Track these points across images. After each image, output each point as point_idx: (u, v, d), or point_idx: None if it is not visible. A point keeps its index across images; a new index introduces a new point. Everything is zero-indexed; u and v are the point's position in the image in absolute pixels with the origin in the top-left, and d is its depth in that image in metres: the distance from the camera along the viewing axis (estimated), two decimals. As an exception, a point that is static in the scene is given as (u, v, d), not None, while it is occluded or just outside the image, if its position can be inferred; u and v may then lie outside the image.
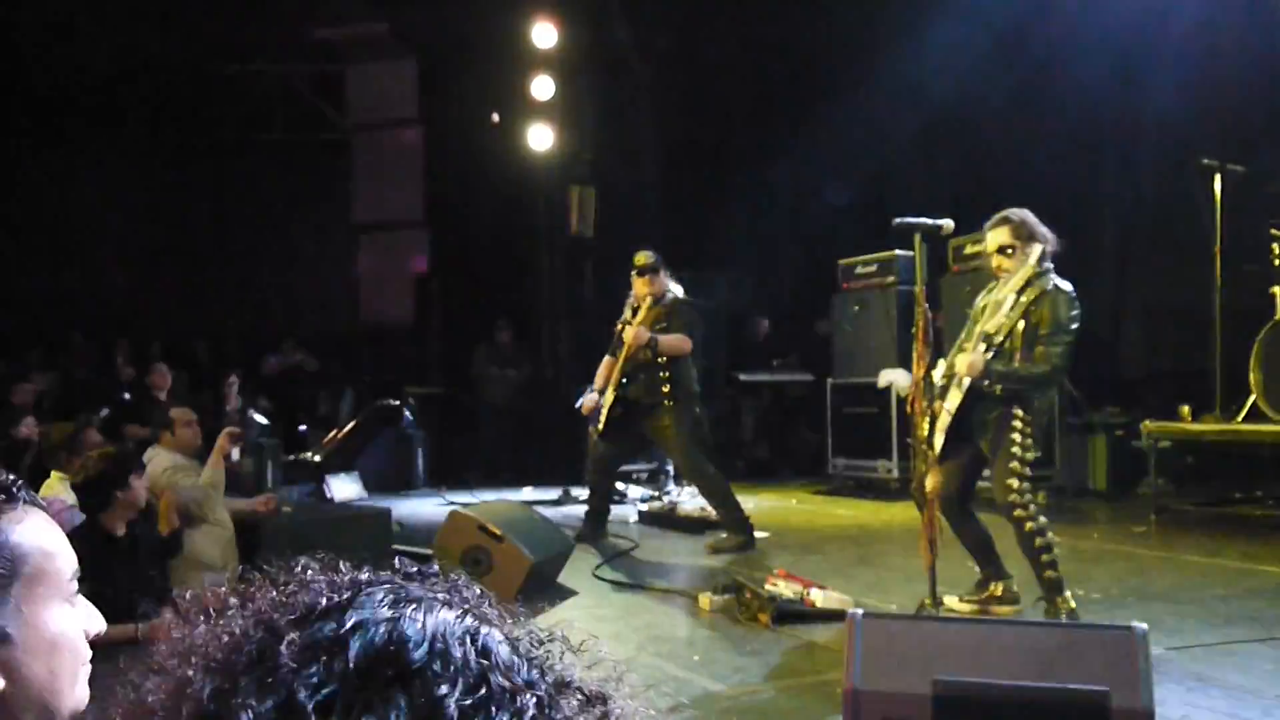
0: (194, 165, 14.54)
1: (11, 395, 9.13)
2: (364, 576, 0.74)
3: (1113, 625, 2.56)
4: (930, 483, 4.57)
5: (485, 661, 0.67)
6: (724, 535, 6.81)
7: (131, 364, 12.54)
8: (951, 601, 4.83)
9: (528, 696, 0.67)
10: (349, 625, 0.67)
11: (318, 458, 10.17)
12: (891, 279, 9.41)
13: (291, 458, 9.96)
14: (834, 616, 4.51)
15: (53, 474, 5.34)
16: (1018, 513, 4.52)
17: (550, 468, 10.50)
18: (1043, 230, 4.68)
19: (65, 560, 1.16)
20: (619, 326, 7.07)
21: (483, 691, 0.65)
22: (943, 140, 11.64)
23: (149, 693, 0.70)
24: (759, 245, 12.90)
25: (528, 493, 9.69)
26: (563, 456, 10.51)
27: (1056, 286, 4.62)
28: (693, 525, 7.57)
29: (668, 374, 6.75)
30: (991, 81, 11.02)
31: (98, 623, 1.19)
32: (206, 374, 12.55)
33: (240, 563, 5.75)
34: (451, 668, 0.66)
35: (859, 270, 9.81)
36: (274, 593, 0.73)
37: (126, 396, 10.79)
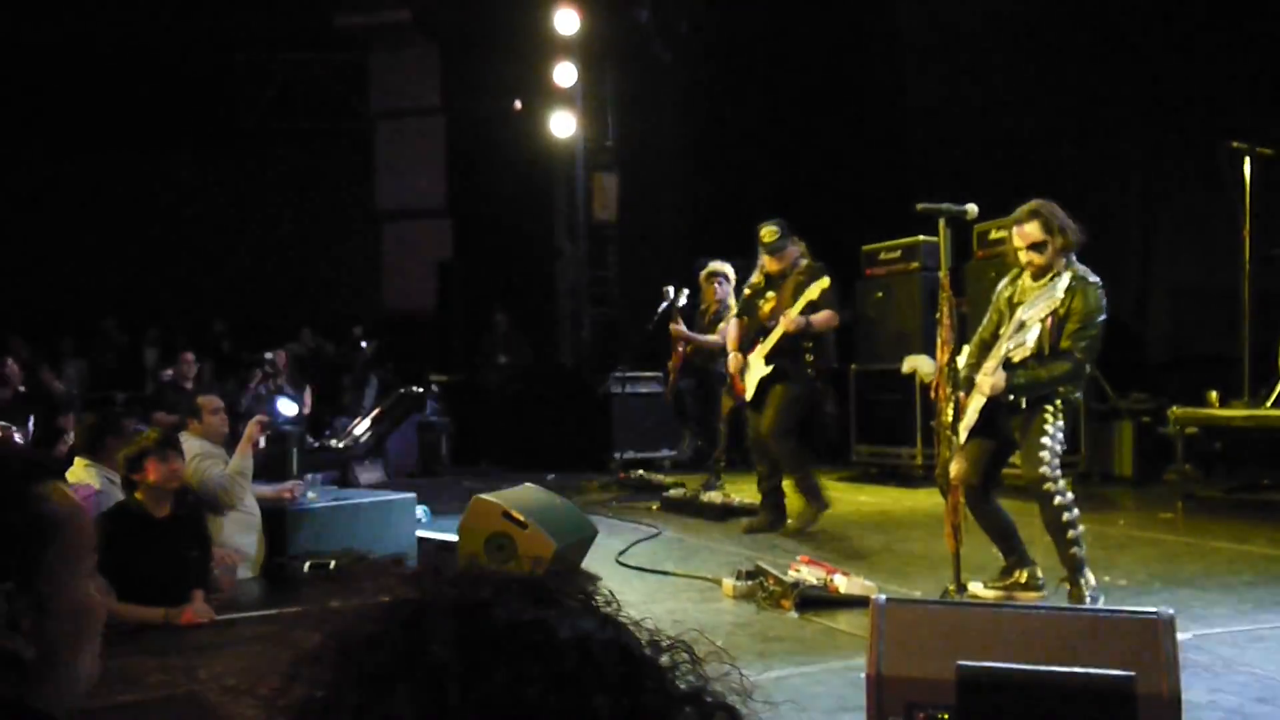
0: (217, 154, 14.61)
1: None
2: (503, 576, 0.74)
3: (1139, 611, 2.55)
4: (954, 469, 4.56)
5: (629, 670, 0.68)
6: (802, 509, 6.88)
7: (159, 352, 12.66)
8: (976, 588, 4.82)
9: (664, 702, 0.68)
10: (500, 622, 0.67)
11: (343, 444, 10.23)
12: (915, 264, 9.35)
13: (316, 444, 10.02)
14: (857, 602, 4.51)
15: (77, 461, 5.39)
16: (1046, 486, 4.50)
17: (572, 454, 10.50)
18: (1070, 223, 4.60)
19: (90, 534, 1.21)
20: (746, 291, 7.16)
21: (626, 700, 0.66)
22: (966, 123, 11.54)
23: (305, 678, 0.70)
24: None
25: (550, 480, 9.71)
26: (585, 443, 10.53)
27: (1083, 278, 4.55)
28: (715, 512, 7.57)
29: (812, 345, 6.80)
30: (1014, 62, 10.93)
31: (111, 600, 1.23)
32: (230, 361, 12.65)
33: (268, 549, 5.80)
34: (599, 674, 0.67)
35: (883, 256, 9.75)
36: (427, 581, 0.73)
37: (155, 384, 10.90)
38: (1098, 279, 4.59)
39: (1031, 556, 4.88)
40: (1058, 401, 4.58)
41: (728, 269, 8.68)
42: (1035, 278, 4.63)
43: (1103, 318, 4.55)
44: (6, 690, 1.08)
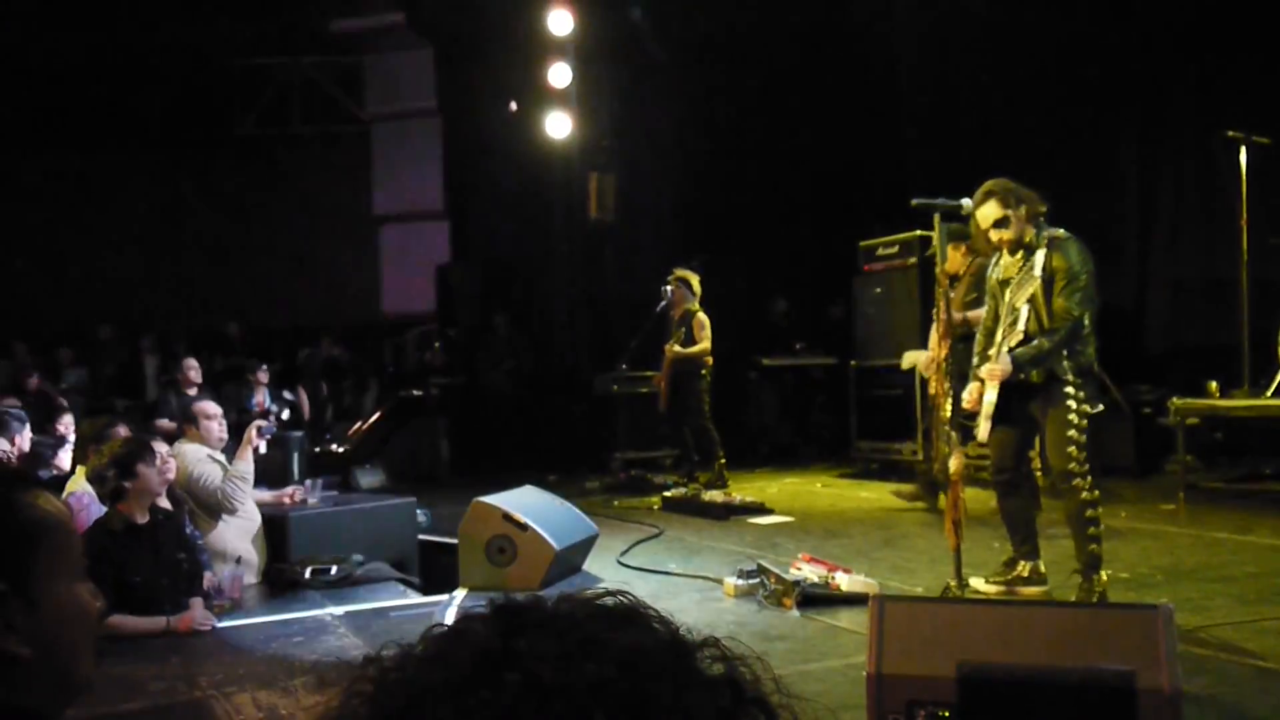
0: (215, 160, 14.61)
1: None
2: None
3: (1138, 605, 2.55)
4: (953, 464, 4.55)
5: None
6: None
7: (159, 359, 12.65)
8: (977, 583, 4.81)
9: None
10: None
11: (343, 449, 10.23)
12: (913, 260, 9.33)
13: (317, 449, 10.02)
14: (859, 600, 4.50)
15: (78, 469, 5.39)
16: (1075, 481, 4.48)
17: (572, 455, 10.49)
18: (1026, 192, 4.61)
19: (77, 538, 1.22)
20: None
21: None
22: (961, 114, 11.53)
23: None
24: (778, 229, 12.83)
25: (551, 481, 9.70)
26: (585, 443, 10.52)
27: (1057, 239, 4.55)
28: (717, 511, 7.56)
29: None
30: (1010, 53, 10.92)
31: (99, 603, 1.25)
32: (233, 367, 12.63)
33: (269, 555, 5.80)
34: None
35: (880, 252, 9.75)
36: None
37: (156, 391, 10.89)
38: (1070, 234, 4.58)
39: (1039, 550, 4.87)
40: (1074, 378, 4.50)
41: (689, 274, 8.96)
42: (1012, 252, 4.65)
43: (1089, 268, 4.53)
44: (3, 691, 1.10)
